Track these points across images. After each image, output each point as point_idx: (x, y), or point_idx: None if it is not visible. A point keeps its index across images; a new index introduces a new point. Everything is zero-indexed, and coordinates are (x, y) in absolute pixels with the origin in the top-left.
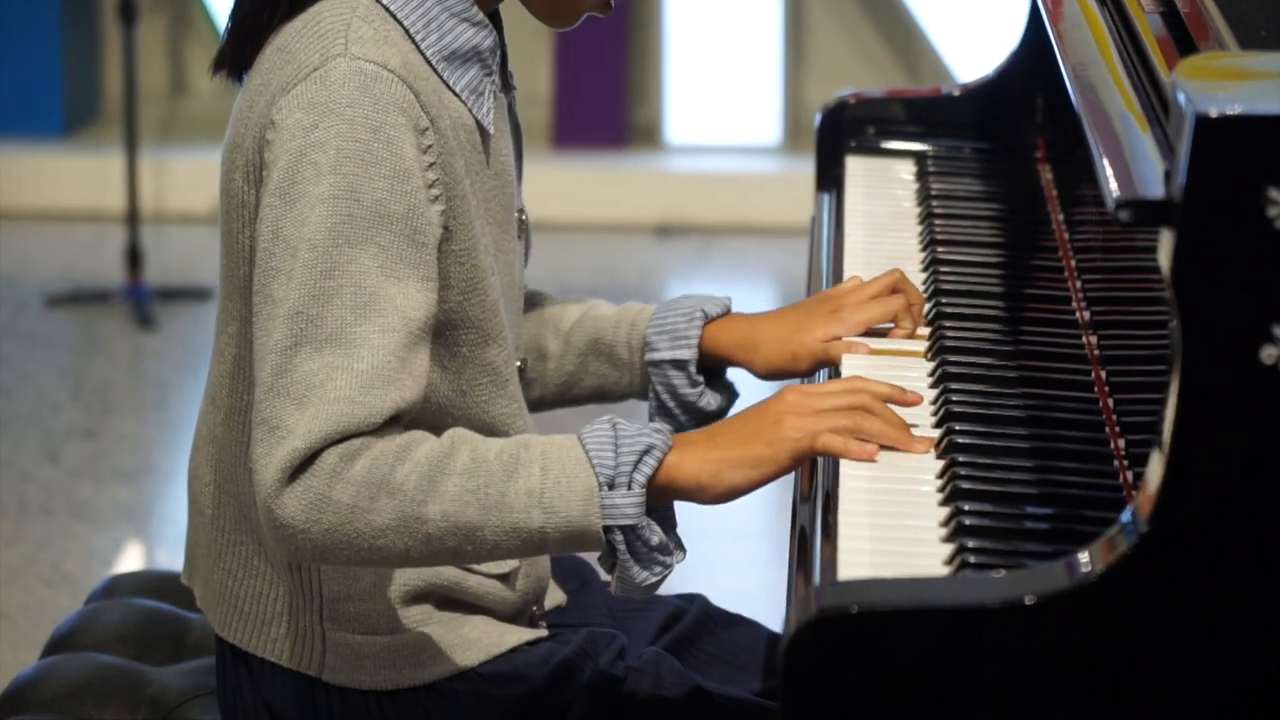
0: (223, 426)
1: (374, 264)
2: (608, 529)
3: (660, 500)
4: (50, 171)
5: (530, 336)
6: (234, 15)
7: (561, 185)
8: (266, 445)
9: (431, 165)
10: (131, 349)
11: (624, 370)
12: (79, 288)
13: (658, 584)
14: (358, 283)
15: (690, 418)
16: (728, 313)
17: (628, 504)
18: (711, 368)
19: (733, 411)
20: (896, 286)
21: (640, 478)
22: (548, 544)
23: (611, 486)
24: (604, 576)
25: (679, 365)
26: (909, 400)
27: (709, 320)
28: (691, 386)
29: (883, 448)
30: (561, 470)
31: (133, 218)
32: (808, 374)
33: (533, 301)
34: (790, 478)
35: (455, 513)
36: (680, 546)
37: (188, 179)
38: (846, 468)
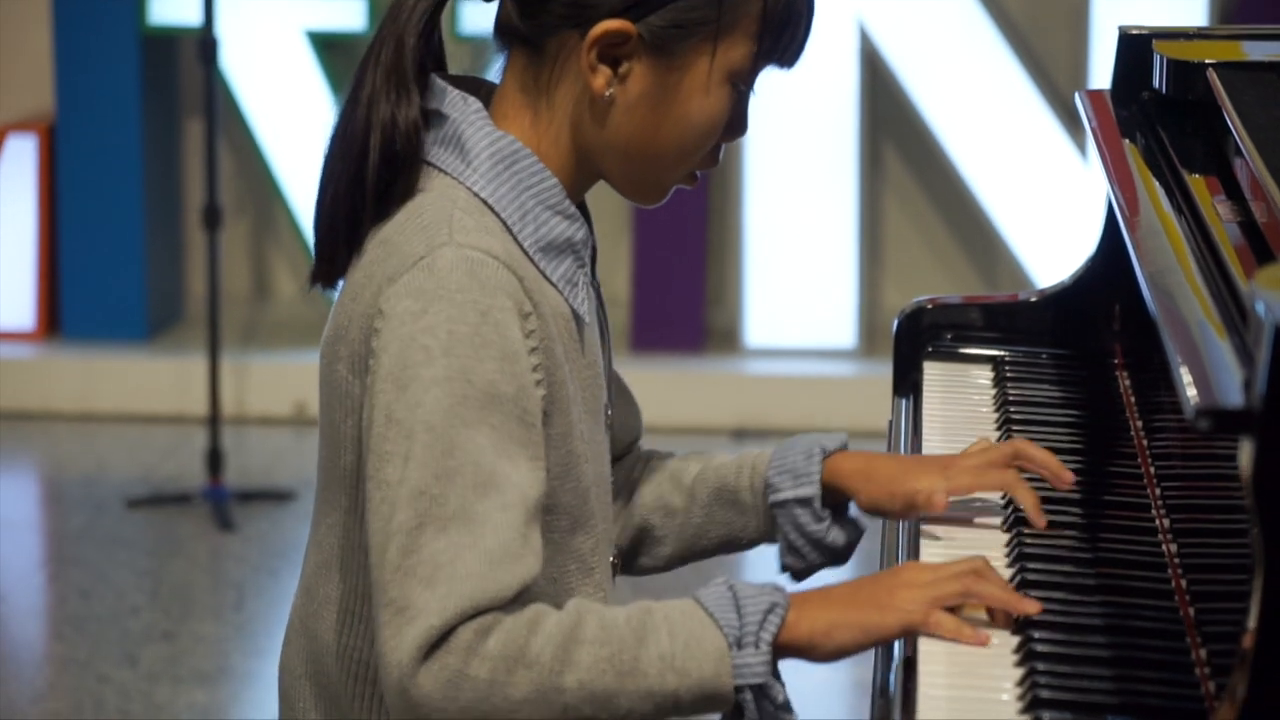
0: (316, 618)
1: (488, 443)
2: (738, 689)
3: (777, 658)
4: (133, 374)
5: (654, 495)
6: (322, 227)
7: (639, 388)
8: (396, 626)
9: (534, 349)
10: (210, 551)
11: (750, 515)
12: (159, 490)
13: None
14: (476, 461)
15: (820, 554)
16: (844, 448)
17: (757, 663)
18: (835, 503)
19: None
20: (1020, 455)
21: (767, 636)
22: (680, 707)
23: (740, 646)
24: None
25: (804, 503)
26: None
27: (827, 455)
28: (818, 522)
29: (987, 609)
30: (690, 634)
31: (214, 420)
32: (899, 517)
33: (653, 460)
34: (868, 680)
35: (591, 681)
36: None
37: (269, 382)
38: (925, 676)
